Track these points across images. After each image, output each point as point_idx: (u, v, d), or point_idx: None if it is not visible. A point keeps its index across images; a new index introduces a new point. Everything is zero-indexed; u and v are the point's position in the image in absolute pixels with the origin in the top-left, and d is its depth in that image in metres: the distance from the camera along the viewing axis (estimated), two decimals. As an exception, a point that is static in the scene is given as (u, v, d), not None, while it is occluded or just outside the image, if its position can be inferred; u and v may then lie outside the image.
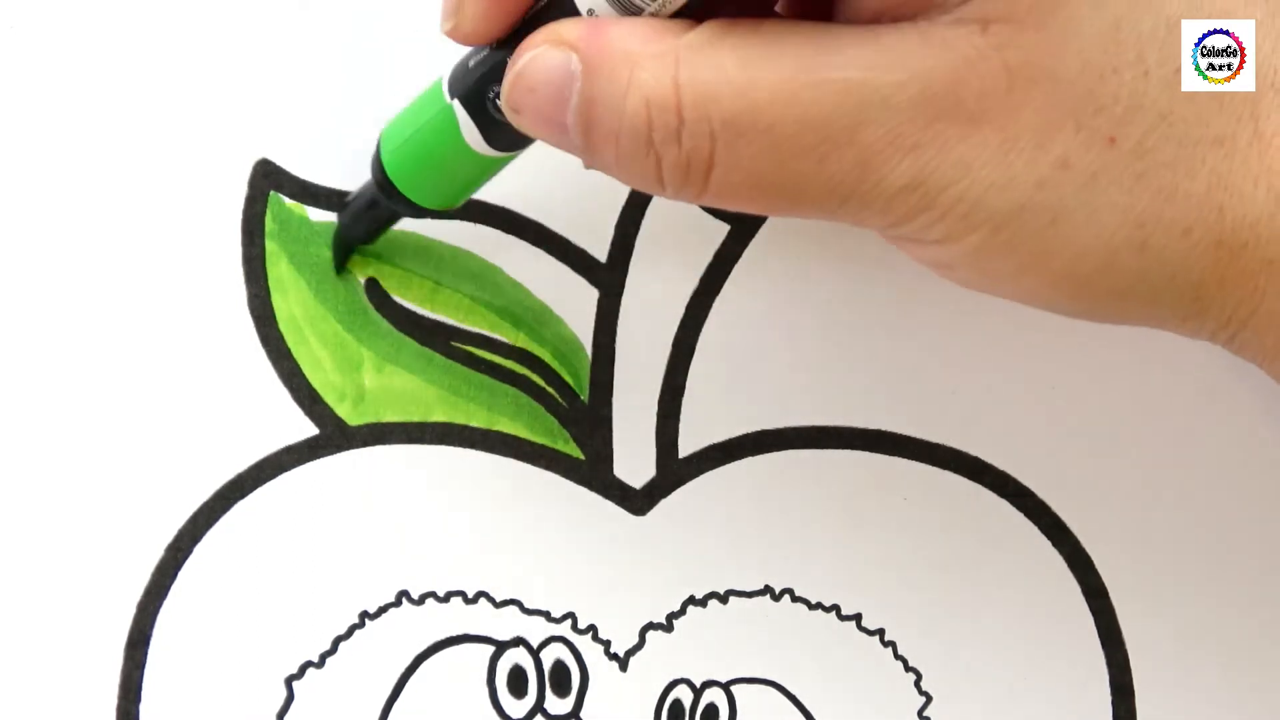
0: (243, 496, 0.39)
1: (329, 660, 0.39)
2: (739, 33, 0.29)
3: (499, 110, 0.32)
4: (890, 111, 0.28)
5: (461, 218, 0.40)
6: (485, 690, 0.39)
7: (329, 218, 0.40)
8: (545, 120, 0.31)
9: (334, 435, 0.39)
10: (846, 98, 0.28)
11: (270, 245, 0.40)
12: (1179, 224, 0.29)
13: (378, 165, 0.35)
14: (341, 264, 0.39)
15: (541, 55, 0.30)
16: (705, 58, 0.29)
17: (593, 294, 0.40)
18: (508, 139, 0.33)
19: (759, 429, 0.40)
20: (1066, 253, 0.30)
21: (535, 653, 0.39)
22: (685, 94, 0.29)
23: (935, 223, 0.30)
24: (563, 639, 0.39)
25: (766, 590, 0.39)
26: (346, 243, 0.39)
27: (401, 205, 0.36)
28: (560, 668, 0.39)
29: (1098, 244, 0.29)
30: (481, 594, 0.39)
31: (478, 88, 0.32)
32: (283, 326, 0.39)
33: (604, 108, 0.30)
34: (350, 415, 0.39)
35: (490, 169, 0.35)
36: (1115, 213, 0.29)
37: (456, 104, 0.33)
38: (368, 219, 0.38)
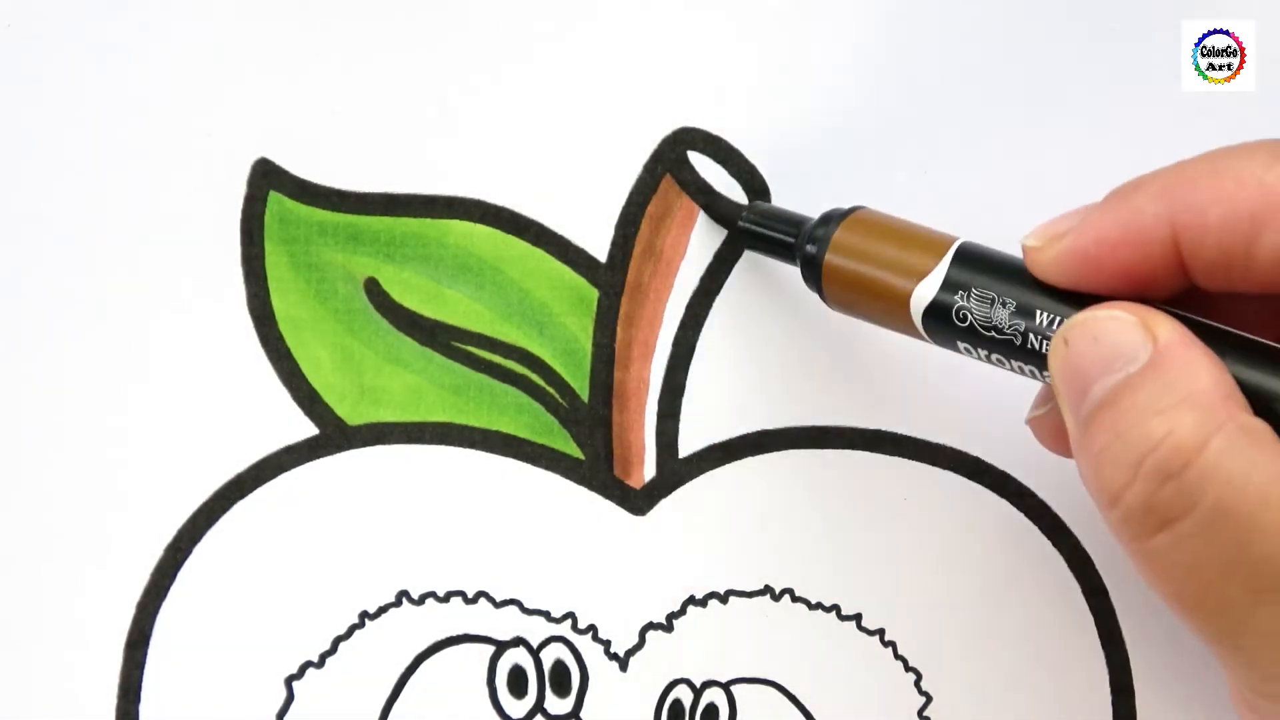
0: (243, 496, 0.39)
1: (329, 660, 0.39)
2: None
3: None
4: None
5: (462, 217, 0.40)
6: (485, 690, 0.39)
7: (329, 217, 0.40)
8: (1077, 371, 0.30)
9: (334, 435, 0.39)
10: None
11: (270, 245, 0.40)
12: None
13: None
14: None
15: (1124, 322, 0.30)
16: (1250, 446, 0.28)
17: (593, 294, 0.40)
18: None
19: (759, 429, 0.40)
20: None
21: (535, 653, 0.39)
22: (1205, 457, 0.28)
23: None
24: (563, 639, 0.39)
25: (766, 590, 0.39)
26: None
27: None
28: (560, 668, 0.39)
29: None
30: (481, 594, 0.39)
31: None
32: (283, 326, 0.39)
33: (1131, 404, 0.29)
34: (350, 415, 0.39)
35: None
36: None
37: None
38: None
